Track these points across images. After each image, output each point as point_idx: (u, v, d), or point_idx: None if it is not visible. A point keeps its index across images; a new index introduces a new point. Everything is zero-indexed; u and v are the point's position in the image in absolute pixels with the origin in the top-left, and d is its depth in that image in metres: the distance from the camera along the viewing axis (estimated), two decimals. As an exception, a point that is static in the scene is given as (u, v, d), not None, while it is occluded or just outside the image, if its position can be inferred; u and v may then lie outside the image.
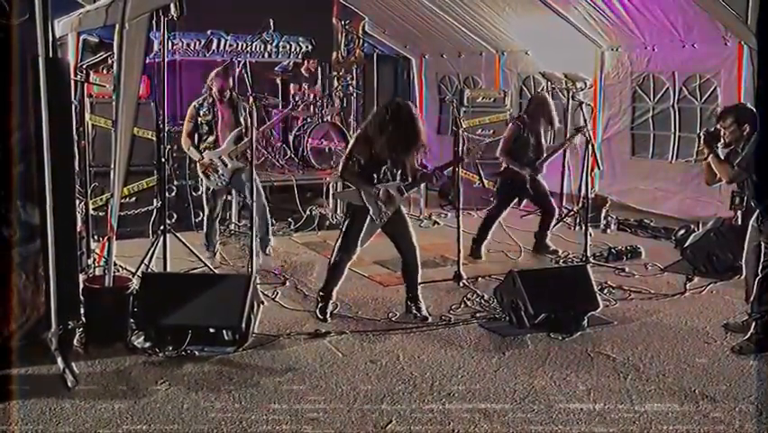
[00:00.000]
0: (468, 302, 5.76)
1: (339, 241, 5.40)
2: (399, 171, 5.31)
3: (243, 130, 6.48)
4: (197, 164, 6.57)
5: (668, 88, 8.62)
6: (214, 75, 6.58)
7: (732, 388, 4.26)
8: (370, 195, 5.22)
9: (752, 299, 4.97)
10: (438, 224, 8.73)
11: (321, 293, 5.48)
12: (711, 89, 8.08)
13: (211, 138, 6.49)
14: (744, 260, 5.15)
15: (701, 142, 5.14)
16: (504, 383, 4.33)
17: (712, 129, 5.11)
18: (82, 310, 4.78)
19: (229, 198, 7.38)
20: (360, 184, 5.26)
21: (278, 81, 10.09)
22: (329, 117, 9.63)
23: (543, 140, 7.18)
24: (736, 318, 5.24)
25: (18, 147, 4.39)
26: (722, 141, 5.01)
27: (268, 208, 6.79)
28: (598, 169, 7.71)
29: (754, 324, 4.86)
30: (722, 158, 5.05)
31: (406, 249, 5.44)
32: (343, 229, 5.40)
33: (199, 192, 8.03)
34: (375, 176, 5.26)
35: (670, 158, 8.64)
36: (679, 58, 8.25)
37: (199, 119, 6.48)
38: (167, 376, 4.36)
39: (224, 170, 6.42)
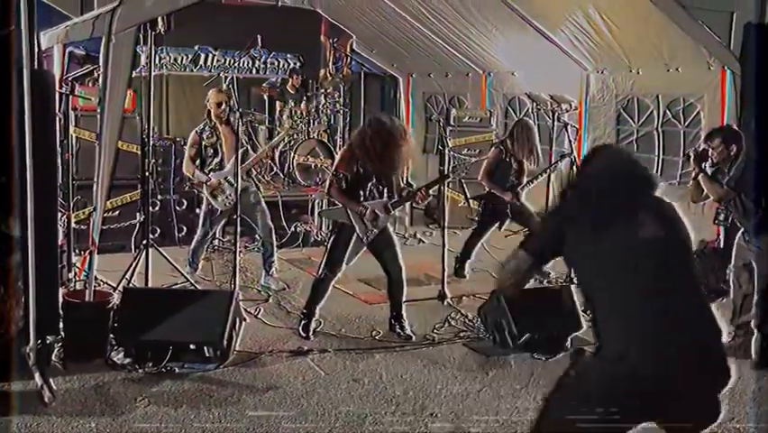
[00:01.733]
0: (452, 321, 5.74)
1: (324, 258, 5.38)
2: (386, 189, 5.30)
3: (245, 149, 6.45)
4: (205, 186, 6.47)
5: (652, 111, 8.70)
6: (211, 94, 6.50)
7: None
8: (356, 213, 5.21)
9: (735, 313, 5.05)
10: (423, 242, 8.73)
11: (304, 310, 5.45)
12: (695, 113, 8.16)
13: (216, 159, 6.44)
14: (732, 278, 5.18)
15: (690, 161, 5.20)
16: (487, 404, 4.30)
17: (700, 149, 5.17)
18: (61, 325, 4.71)
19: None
20: (346, 202, 5.24)
21: (266, 97, 10.09)
22: (315, 134, 9.63)
23: (525, 165, 7.20)
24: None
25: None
26: (709, 160, 5.07)
27: (273, 230, 6.71)
28: (583, 190, 7.73)
29: (736, 334, 4.96)
30: (713, 176, 5.10)
31: (392, 267, 5.42)
32: (329, 246, 5.37)
33: (183, 207, 8.02)
34: (361, 193, 5.25)
35: (654, 180, 8.70)
36: (663, 81, 8.33)
37: (203, 143, 6.43)
38: (146, 393, 4.30)
39: (230, 190, 6.34)
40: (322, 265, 5.38)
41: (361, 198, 5.23)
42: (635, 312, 2.51)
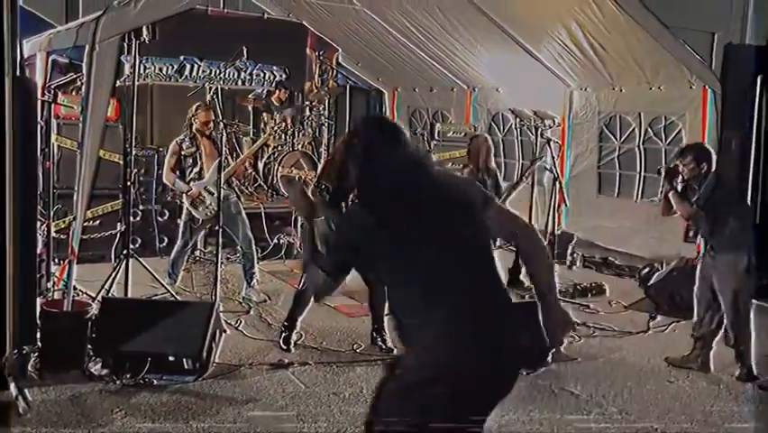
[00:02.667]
0: (433, 335, 5.72)
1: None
2: None
3: (225, 159, 6.44)
4: (185, 196, 6.44)
5: (634, 129, 8.78)
6: (198, 110, 6.48)
7: (693, 427, 4.28)
8: (337, 225, 5.19)
9: (695, 325, 5.16)
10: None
11: (285, 323, 5.41)
12: (676, 131, 8.25)
13: (195, 169, 6.42)
14: (695, 293, 5.24)
15: (662, 177, 5.27)
16: (467, 419, 4.28)
17: (672, 165, 5.24)
18: (38, 335, 4.65)
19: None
20: (327, 214, 5.22)
21: (250, 109, 10.07)
22: (300, 146, 9.62)
23: (500, 179, 7.25)
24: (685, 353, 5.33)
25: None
26: (680, 177, 5.14)
27: (253, 241, 6.68)
28: (565, 205, 7.78)
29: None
30: (683, 194, 5.17)
31: (373, 281, 5.40)
32: (310, 258, 5.35)
33: (165, 217, 7.96)
34: (343, 205, 5.22)
35: (635, 197, 8.77)
36: (645, 99, 8.42)
37: (183, 153, 6.41)
38: (123, 405, 4.25)
39: (211, 199, 6.32)
40: (303, 277, 5.35)
41: (343, 210, 5.20)
42: (435, 303, 2.48)
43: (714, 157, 5.17)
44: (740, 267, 4.94)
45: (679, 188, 5.18)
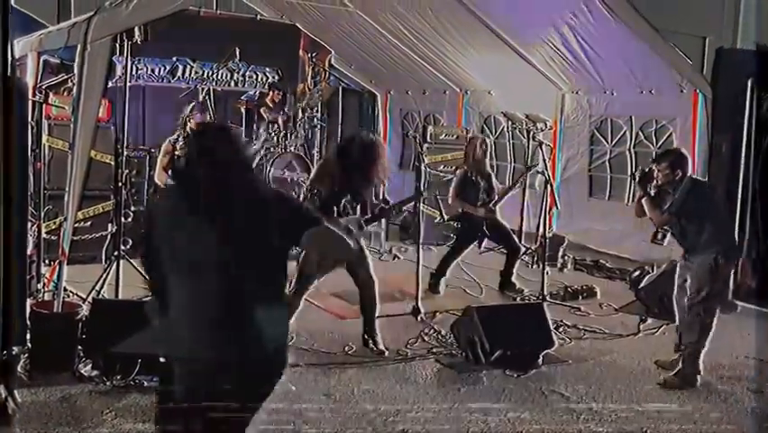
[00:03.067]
0: (425, 337, 5.73)
1: (297, 272, 5.35)
2: (359, 205, 5.30)
3: None
4: None
5: (625, 132, 8.82)
6: (193, 110, 6.48)
7: (683, 430, 4.30)
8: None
9: (678, 333, 5.15)
10: (398, 258, 8.73)
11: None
12: (667, 135, 8.28)
13: None
14: (674, 297, 5.27)
15: (636, 182, 5.29)
16: (458, 421, 4.30)
17: (647, 169, 5.26)
18: (28, 336, 4.63)
19: None
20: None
21: (243, 110, 10.06)
22: (293, 148, 9.62)
23: (494, 182, 7.26)
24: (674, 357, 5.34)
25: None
26: (655, 181, 5.16)
27: None
28: (556, 208, 7.81)
29: (681, 359, 5.03)
30: (656, 201, 5.18)
31: (365, 283, 5.41)
32: (301, 260, 5.35)
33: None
34: (335, 209, 5.24)
35: (626, 200, 8.81)
36: (636, 103, 8.46)
37: (176, 153, 6.40)
38: (113, 406, 4.24)
39: None
40: (294, 279, 5.35)
41: (335, 214, 5.22)
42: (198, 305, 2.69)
43: (689, 163, 5.20)
44: (707, 270, 4.95)
45: (652, 192, 5.20)
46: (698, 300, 4.96)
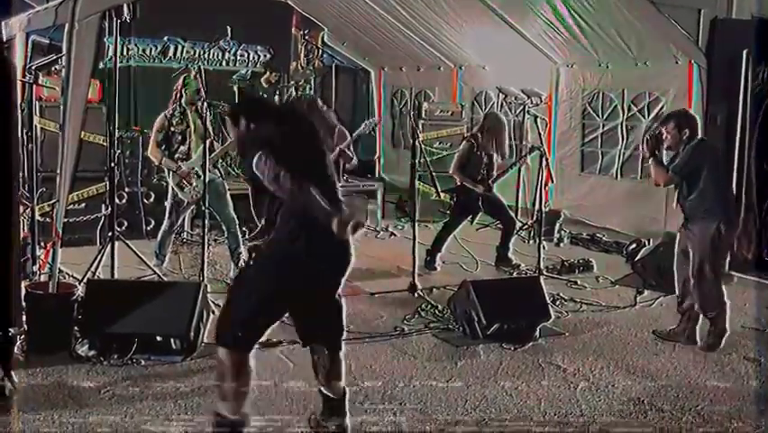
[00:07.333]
0: (422, 312, 5.74)
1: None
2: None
3: (212, 139, 6.33)
4: (171, 177, 6.32)
5: (616, 106, 8.76)
6: (186, 81, 6.33)
7: (680, 399, 4.31)
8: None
9: (678, 299, 5.18)
10: (395, 235, 8.72)
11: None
12: (659, 106, 8.23)
13: (183, 148, 6.27)
14: (675, 265, 5.27)
15: (644, 145, 5.25)
16: (456, 393, 4.31)
17: (656, 132, 5.21)
18: (24, 317, 4.63)
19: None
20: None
21: (235, 89, 9.99)
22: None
23: (495, 158, 7.22)
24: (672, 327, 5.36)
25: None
26: (663, 144, 5.13)
27: (237, 221, 6.61)
28: (552, 183, 7.80)
29: (681, 319, 5.10)
30: (661, 162, 5.16)
31: None
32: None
33: (151, 199, 7.90)
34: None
35: (615, 174, 8.79)
36: (630, 75, 8.41)
37: (172, 129, 6.27)
38: (111, 386, 4.24)
39: (197, 181, 6.18)
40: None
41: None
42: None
43: (698, 124, 5.15)
44: (709, 235, 4.95)
45: (663, 155, 5.16)
46: (701, 265, 4.96)
